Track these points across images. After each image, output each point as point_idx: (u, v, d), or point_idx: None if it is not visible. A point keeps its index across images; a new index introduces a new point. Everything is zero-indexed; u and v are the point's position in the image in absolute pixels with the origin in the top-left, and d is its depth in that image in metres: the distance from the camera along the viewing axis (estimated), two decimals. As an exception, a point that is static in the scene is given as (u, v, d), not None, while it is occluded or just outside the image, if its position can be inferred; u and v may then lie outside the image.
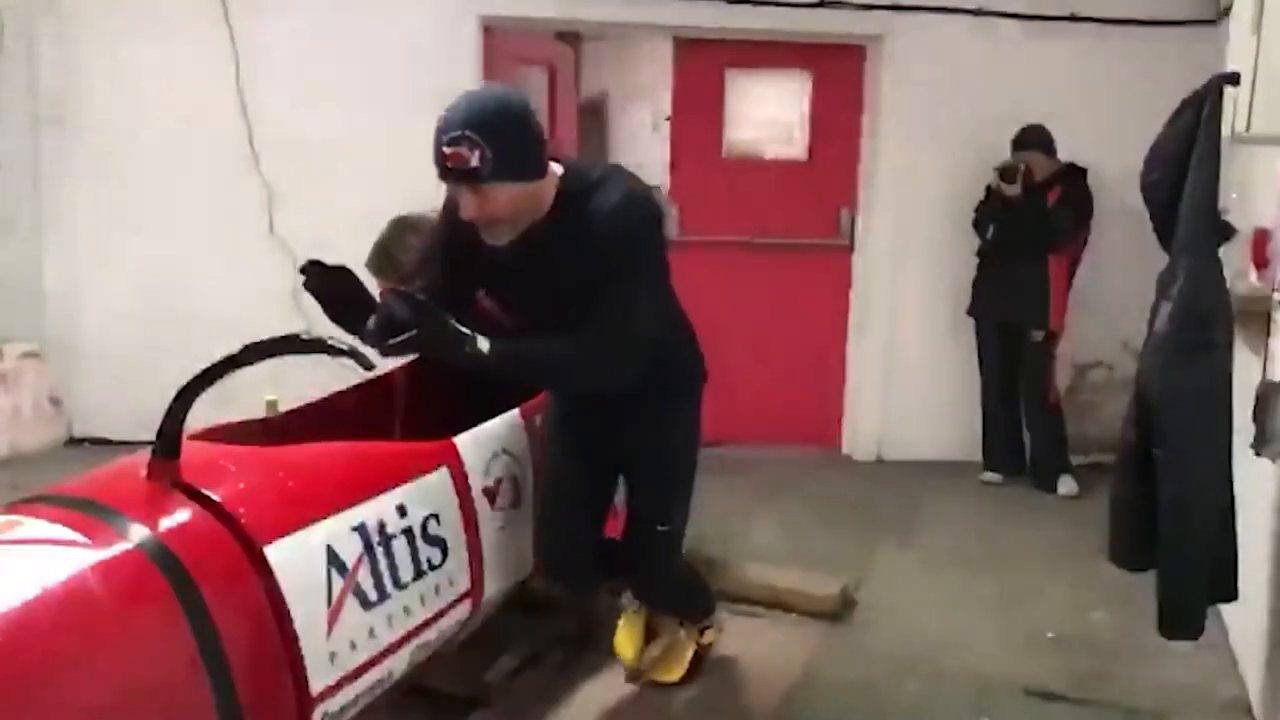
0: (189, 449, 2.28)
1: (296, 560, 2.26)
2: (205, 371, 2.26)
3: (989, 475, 5.46)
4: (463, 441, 2.88)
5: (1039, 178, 5.18)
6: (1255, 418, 2.73)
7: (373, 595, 2.45)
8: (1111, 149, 4.86)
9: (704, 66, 5.79)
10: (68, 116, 5.38)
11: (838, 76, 5.73)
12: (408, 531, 2.58)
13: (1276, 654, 2.99)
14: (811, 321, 5.88)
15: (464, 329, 2.38)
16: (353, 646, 2.37)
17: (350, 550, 2.40)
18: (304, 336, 2.27)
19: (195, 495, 2.21)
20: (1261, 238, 3.38)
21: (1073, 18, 5.43)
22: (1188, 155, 2.64)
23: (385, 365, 2.81)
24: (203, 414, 2.33)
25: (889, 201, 5.66)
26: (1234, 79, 2.61)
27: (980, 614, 3.92)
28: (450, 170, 2.40)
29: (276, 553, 2.21)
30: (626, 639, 3.30)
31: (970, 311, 5.45)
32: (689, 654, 3.33)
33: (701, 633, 3.37)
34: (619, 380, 2.61)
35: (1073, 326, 5.34)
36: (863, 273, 5.82)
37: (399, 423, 3.49)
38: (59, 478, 2.39)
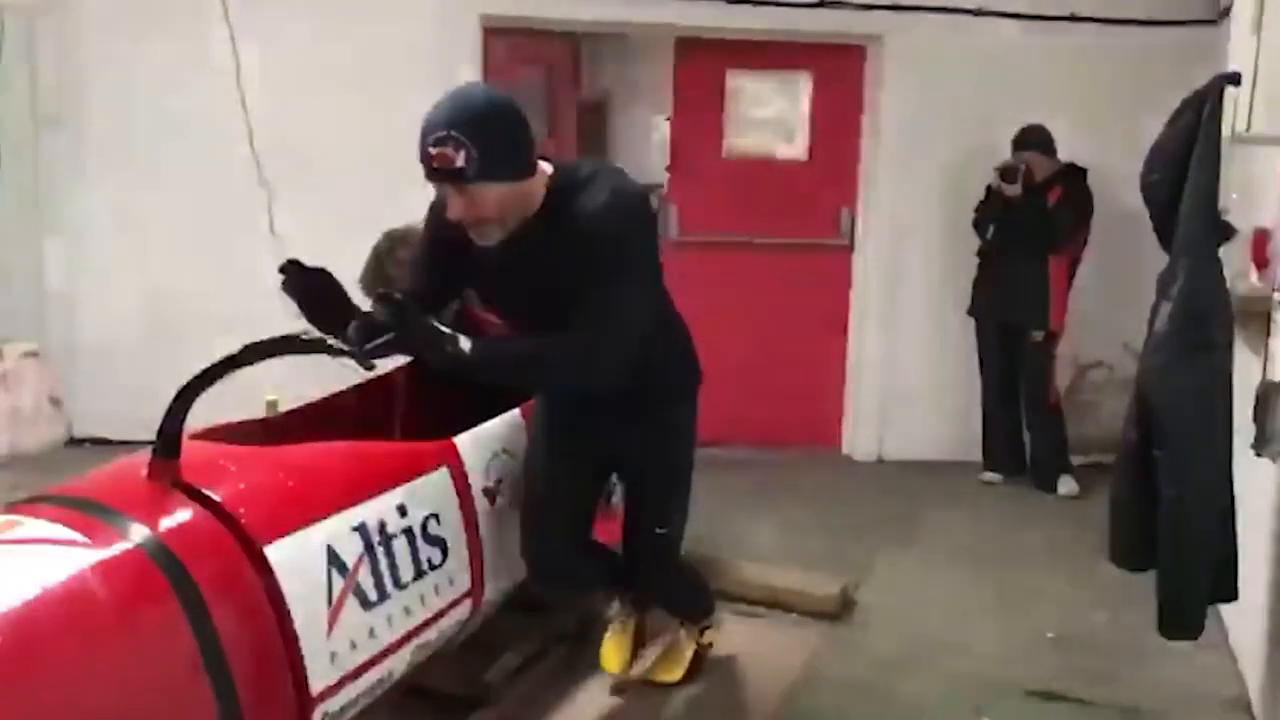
0: (189, 449, 2.28)
1: (297, 560, 2.26)
2: (205, 371, 2.26)
3: (989, 475, 5.46)
4: (463, 441, 2.88)
5: (1039, 178, 5.18)
6: (1255, 418, 2.73)
7: (373, 595, 2.45)
8: (1111, 149, 4.86)
9: (704, 66, 5.79)
10: (68, 116, 5.38)
11: (838, 76, 5.73)
12: (408, 531, 2.58)
13: (1276, 654, 2.99)
14: (811, 321, 5.87)
15: (444, 329, 2.33)
16: (353, 646, 2.37)
17: (350, 550, 2.40)
18: (304, 336, 2.27)
19: (195, 495, 2.21)
20: (1261, 238, 3.38)
21: (1072, 18, 5.43)
22: (1188, 155, 2.64)
23: (385, 365, 2.81)
24: (203, 414, 2.33)
25: (889, 201, 5.65)
26: (1234, 79, 2.61)
27: (980, 614, 3.92)
28: (436, 170, 2.36)
29: (277, 552, 2.21)
30: (613, 651, 3.26)
31: (970, 312, 5.44)
32: (689, 654, 3.33)
33: (701, 633, 3.36)
34: (604, 380, 2.55)
35: (1073, 326, 5.34)
36: (863, 273, 5.81)
37: (399, 423, 3.49)
38: (59, 478, 2.40)
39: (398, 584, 2.52)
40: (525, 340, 2.60)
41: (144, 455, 2.25)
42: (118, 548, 2.03)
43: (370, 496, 2.51)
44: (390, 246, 3.73)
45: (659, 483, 2.95)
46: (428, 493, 2.69)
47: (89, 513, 2.10)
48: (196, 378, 2.26)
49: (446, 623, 2.72)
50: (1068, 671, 3.47)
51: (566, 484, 2.92)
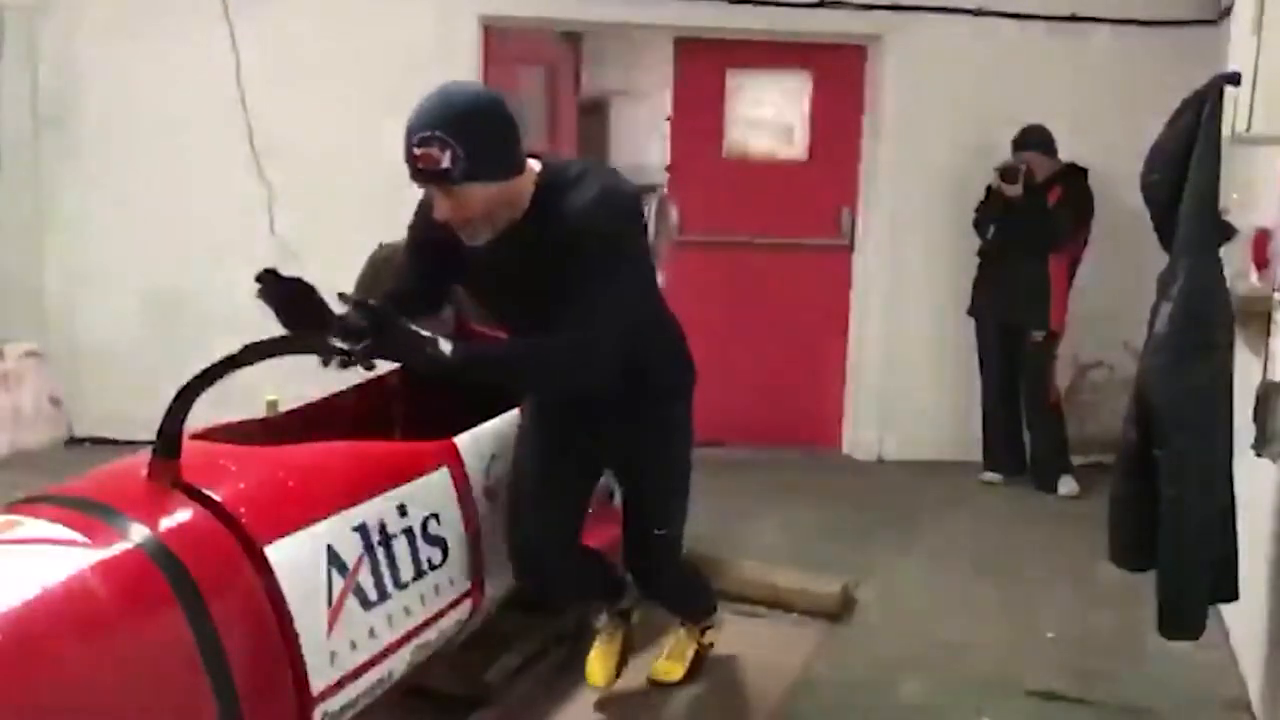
0: (189, 449, 2.28)
1: (297, 560, 2.26)
2: (205, 371, 2.26)
3: (989, 475, 5.46)
4: (463, 441, 2.88)
5: (1039, 178, 5.18)
6: (1255, 418, 2.73)
7: (373, 595, 2.45)
8: (1112, 149, 4.86)
9: (704, 66, 5.79)
10: (68, 116, 5.38)
11: (838, 76, 5.73)
12: (408, 531, 2.58)
13: (1276, 654, 2.99)
14: (811, 321, 5.88)
15: (424, 332, 2.29)
16: (353, 646, 2.37)
17: (351, 550, 2.40)
18: (305, 337, 2.27)
19: (196, 495, 2.21)
20: (1262, 238, 3.38)
21: (1073, 18, 5.43)
22: (1188, 155, 2.64)
23: (384, 365, 2.81)
24: (203, 414, 2.33)
25: (889, 201, 5.66)
26: (1234, 79, 2.61)
27: (980, 614, 3.92)
28: (421, 172, 2.32)
29: (277, 552, 2.21)
30: (598, 665, 3.20)
31: (971, 312, 5.44)
32: (689, 654, 3.33)
33: (702, 632, 3.36)
34: (590, 381, 2.50)
35: (1073, 326, 5.34)
36: (863, 272, 5.82)
37: (399, 423, 3.49)
38: (59, 478, 2.40)
39: (398, 584, 2.52)
40: (508, 342, 2.57)
41: (144, 455, 2.25)
42: (118, 548, 2.03)
43: (370, 496, 2.50)
44: (388, 255, 3.73)
45: (658, 483, 2.94)
46: (428, 493, 2.69)
47: (89, 513, 2.11)
48: (196, 378, 2.26)
49: (447, 623, 2.72)
50: (1068, 671, 3.47)
51: (555, 483, 2.86)
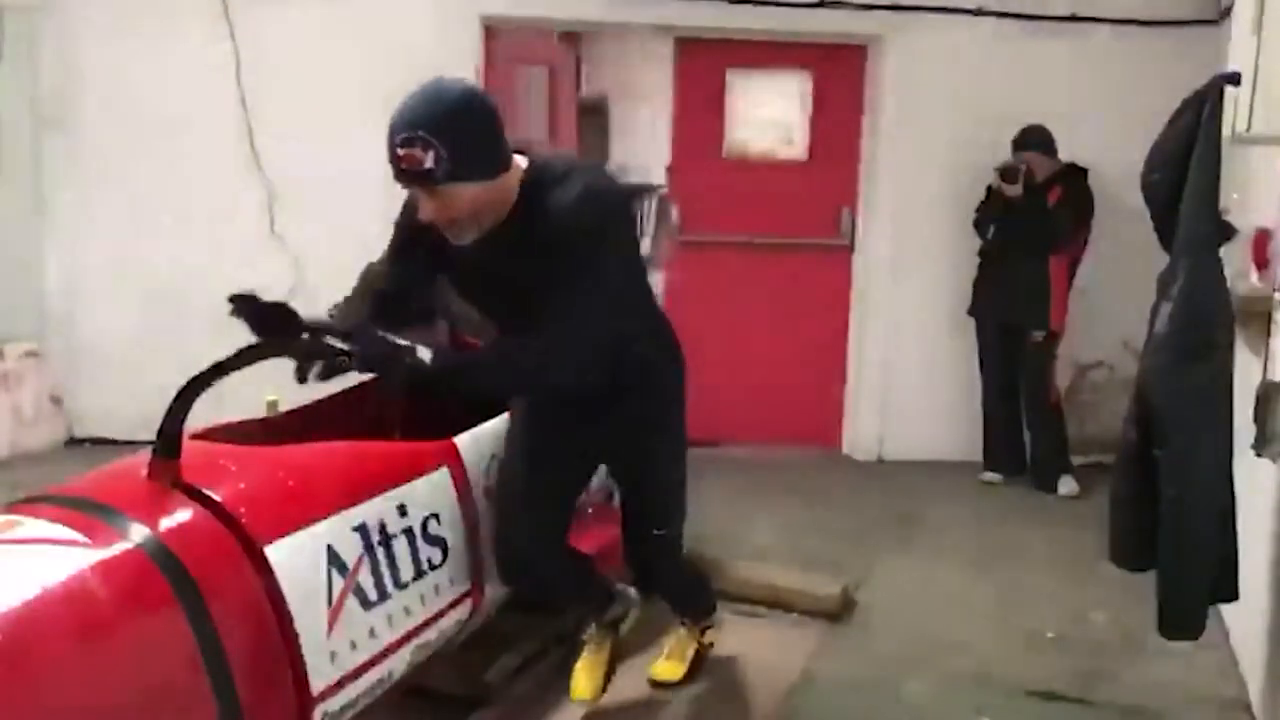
0: (189, 449, 2.28)
1: (297, 560, 2.26)
2: (205, 371, 2.26)
3: (989, 475, 5.46)
4: (463, 441, 2.88)
5: (1040, 178, 5.18)
6: (1256, 418, 2.73)
7: (373, 595, 2.45)
8: (1112, 149, 4.86)
9: (704, 66, 5.80)
10: (68, 117, 5.38)
11: (838, 76, 5.74)
12: (408, 531, 2.59)
13: (1276, 654, 2.99)
14: (811, 321, 5.88)
15: (401, 342, 2.26)
16: (353, 646, 2.37)
17: (351, 550, 2.40)
18: (305, 339, 2.26)
19: (196, 495, 2.21)
20: (1262, 238, 3.38)
21: (1073, 18, 5.43)
22: (1188, 155, 2.64)
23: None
24: (203, 414, 2.33)
25: (889, 201, 5.66)
26: (1234, 79, 2.61)
27: (980, 614, 3.92)
28: (404, 172, 2.29)
29: (277, 552, 2.21)
30: (584, 677, 3.14)
31: (971, 312, 5.45)
32: (690, 653, 3.33)
33: (702, 632, 3.36)
34: (577, 380, 2.48)
35: (1073, 326, 5.34)
36: (863, 273, 5.82)
37: (399, 423, 3.49)
38: (59, 478, 2.40)
39: (398, 584, 2.52)
40: (489, 345, 2.54)
41: (144, 455, 2.25)
42: (118, 548, 2.03)
43: (370, 496, 2.51)
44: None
45: (654, 484, 2.92)
46: (428, 493, 2.69)
47: (89, 513, 2.11)
48: (196, 378, 2.26)
49: (447, 623, 2.72)
50: (1068, 671, 3.47)
51: (543, 484, 2.82)
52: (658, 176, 6.20)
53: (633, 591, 3.22)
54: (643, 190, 8.99)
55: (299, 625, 2.22)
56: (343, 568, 2.36)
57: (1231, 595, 2.83)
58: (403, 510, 2.58)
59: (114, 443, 5.05)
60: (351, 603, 2.38)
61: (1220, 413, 2.69)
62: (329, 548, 2.34)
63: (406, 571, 2.55)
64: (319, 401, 3.19)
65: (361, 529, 2.44)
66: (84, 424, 5.57)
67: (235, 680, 2.07)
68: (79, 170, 5.39)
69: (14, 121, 5.34)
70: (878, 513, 4.97)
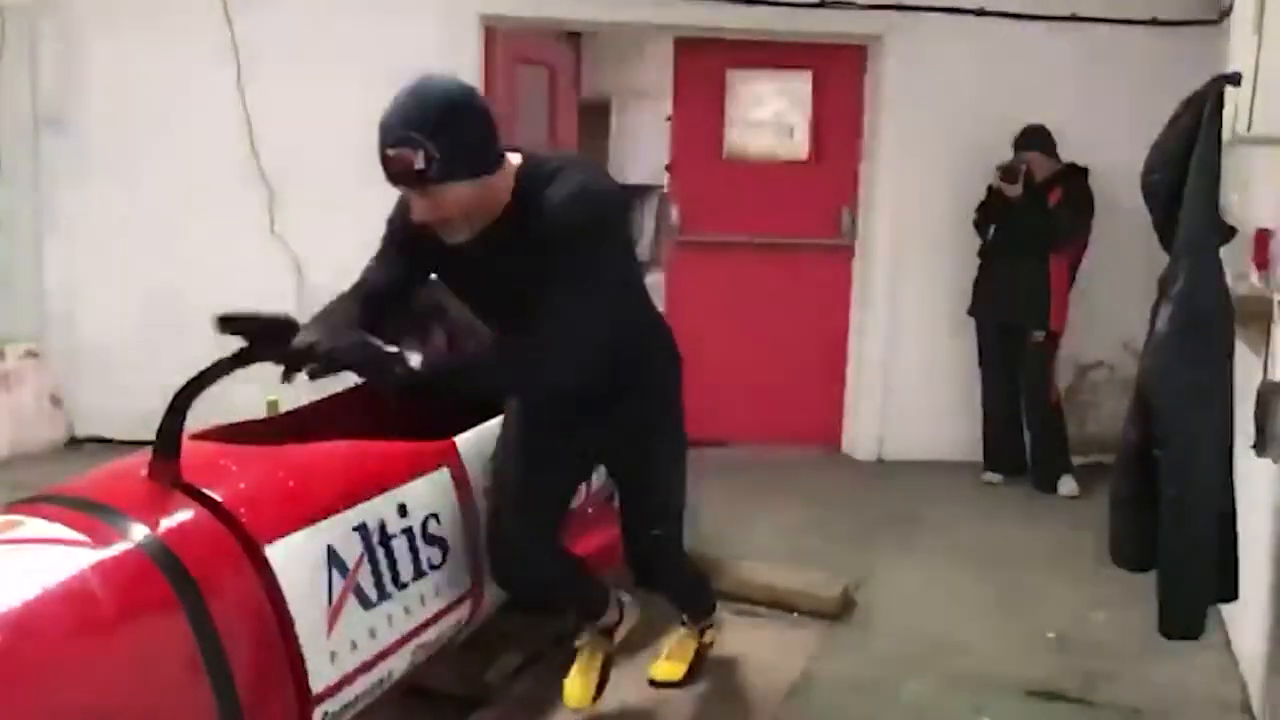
0: (189, 449, 2.28)
1: (297, 560, 2.26)
2: (205, 371, 2.26)
3: (989, 475, 5.46)
4: (463, 441, 2.88)
5: (1040, 178, 5.18)
6: (1255, 418, 2.73)
7: (373, 595, 2.45)
8: (1112, 149, 4.85)
9: (704, 66, 5.80)
10: (68, 117, 5.38)
11: (838, 76, 5.74)
12: (408, 531, 2.59)
13: (1276, 654, 2.99)
14: (811, 321, 5.88)
15: (391, 348, 2.24)
16: (353, 646, 2.37)
17: (351, 550, 2.40)
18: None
19: (196, 495, 2.21)
20: (1262, 238, 3.38)
21: (1073, 18, 5.43)
22: (1188, 155, 2.64)
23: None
24: (203, 414, 2.33)
25: (889, 201, 5.65)
26: (1235, 79, 2.61)
27: (980, 614, 3.92)
28: (395, 174, 2.27)
29: (277, 552, 2.21)
30: (577, 685, 3.06)
31: (971, 311, 5.45)
32: (690, 653, 3.33)
33: (702, 632, 3.36)
34: (571, 379, 2.45)
35: (1073, 326, 5.33)
36: (863, 273, 5.82)
37: (399, 423, 3.49)
38: (59, 478, 2.40)
39: (398, 584, 2.53)
40: (480, 346, 2.54)
41: (144, 455, 2.25)
42: (118, 548, 2.04)
43: (370, 496, 2.51)
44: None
45: (653, 484, 2.91)
46: (428, 493, 2.69)
47: (89, 513, 2.11)
48: (196, 377, 2.26)
49: (447, 623, 2.72)
50: (1068, 671, 3.47)
51: (536, 484, 2.78)
52: (658, 176, 6.21)
53: (628, 598, 3.19)
54: (642, 190, 9.02)
55: (299, 625, 2.22)
56: (343, 568, 2.36)
57: (1231, 595, 2.83)
58: (403, 510, 2.58)
59: (114, 443, 5.06)
60: (351, 603, 2.38)
61: (1220, 413, 2.69)
62: (329, 548, 2.34)
63: (406, 572, 2.55)
64: (319, 401, 3.19)
65: (361, 529, 2.44)
66: (84, 424, 5.57)
67: (235, 680, 2.07)
68: (79, 170, 5.39)
69: (14, 121, 5.34)
70: (878, 513, 4.97)
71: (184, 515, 2.17)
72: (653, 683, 3.27)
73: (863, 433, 5.84)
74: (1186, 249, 2.65)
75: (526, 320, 2.37)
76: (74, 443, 5.55)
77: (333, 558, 2.34)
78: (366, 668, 2.41)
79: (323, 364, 2.21)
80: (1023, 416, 5.40)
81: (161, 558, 2.05)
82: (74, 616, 1.91)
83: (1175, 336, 2.66)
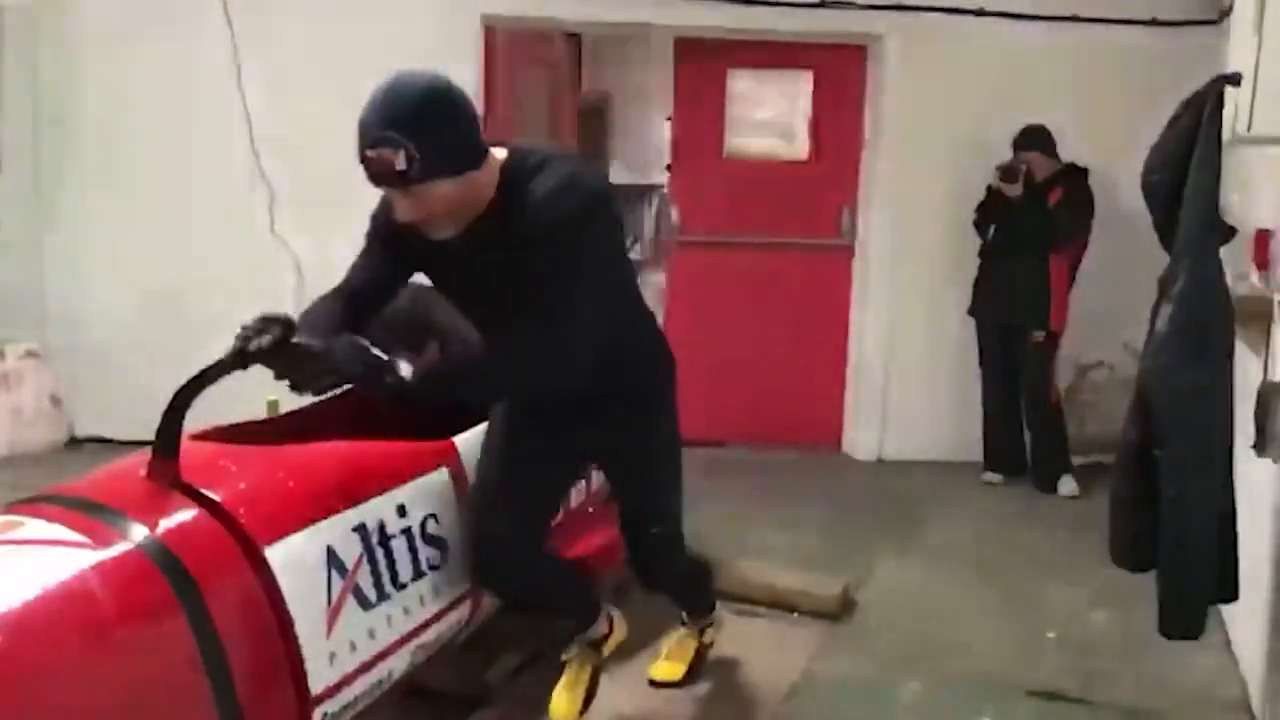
0: (189, 449, 2.28)
1: (296, 561, 2.26)
2: (205, 371, 2.26)
3: (990, 475, 5.46)
4: (463, 441, 2.87)
5: (1040, 178, 5.18)
6: (1256, 418, 2.73)
7: (372, 596, 2.45)
8: (1112, 149, 4.86)
9: (704, 66, 5.80)
10: (68, 116, 5.38)
11: (838, 76, 5.74)
12: (407, 532, 2.58)
13: (1276, 654, 2.99)
14: (811, 321, 5.88)
15: (382, 355, 2.22)
16: (352, 647, 2.37)
17: (350, 550, 2.40)
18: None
19: (195, 495, 2.21)
20: (1262, 238, 3.38)
21: (1074, 18, 5.42)
22: (1188, 155, 2.64)
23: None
24: (203, 414, 2.33)
25: (890, 201, 5.65)
26: (1235, 79, 2.61)
27: (981, 614, 3.92)
28: (376, 175, 2.23)
29: (276, 553, 2.21)
30: (564, 698, 2.97)
31: (971, 312, 5.44)
32: (690, 653, 3.33)
33: (701, 632, 3.36)
34: (566, 379, 2.40)
35: (1073, 326, 5.33)
36: (863, 273, 5.82)
37: (399, 423, 3.49)
38: (59, 478, 2.40)
39: (397, 585, 2.52)
40: (472, 350, 2.50)
41: (144, 455, 2.25)
42: (118, 548, 2.04)
43: (370, 497, 2.50)
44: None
45: (650, 485, 2.88)
46: (428, 493, 2.69)
47: (89, 513, 2.11)
48: (196, 377, 2.25)
49: (446, 623, 2.72)
50: (1068, 671, 3.47)
51: (520, 485, 2.72)
52: (658, 177, 6.21)
53: (618, 613, 3.13)
54: (642, 190, 9.01)
55: (298, 626, 2.22)
56: (342, 568, 2.36)
57: (1231, 595, 2.83)
58: (402, 511, 2.58)
59: (114, 443, 5.05)
60: (351, 603, 2.38)
61: (1220, 413, 2.69)
62: (328, 548, 2.34)
63: (406, 572, 2.55)
64: (319, 402, 3.18)
65: (361, 529, 2.44)
66: (84, 424, 5.57)
67: (235, 681, 2.07)
68: (79, 170, 5.39)
69: (15, 121, 5.34)
70: (878, 513, 4.97)
71: (183, 516, 2.17)
72: (652, 683, 3.27)
73: (863, 433, 5.84)
74: (1186, 249, 2.65)
75: (514, 317, 2.34)
76: (74, 443, 5.55)
77: (332, 558, 2.34)
78: (366, 668, 2.41)
79: (320, 372, 2.20)
80: (1023, 416, 5.40)
81: (161, 558, 2.05)
82: (74, 617, 1.90)
83: (1175, 336, 2.66)
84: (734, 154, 5.86)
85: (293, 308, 2.38)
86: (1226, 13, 4.64)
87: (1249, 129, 2.57)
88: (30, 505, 2.18)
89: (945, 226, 5.54)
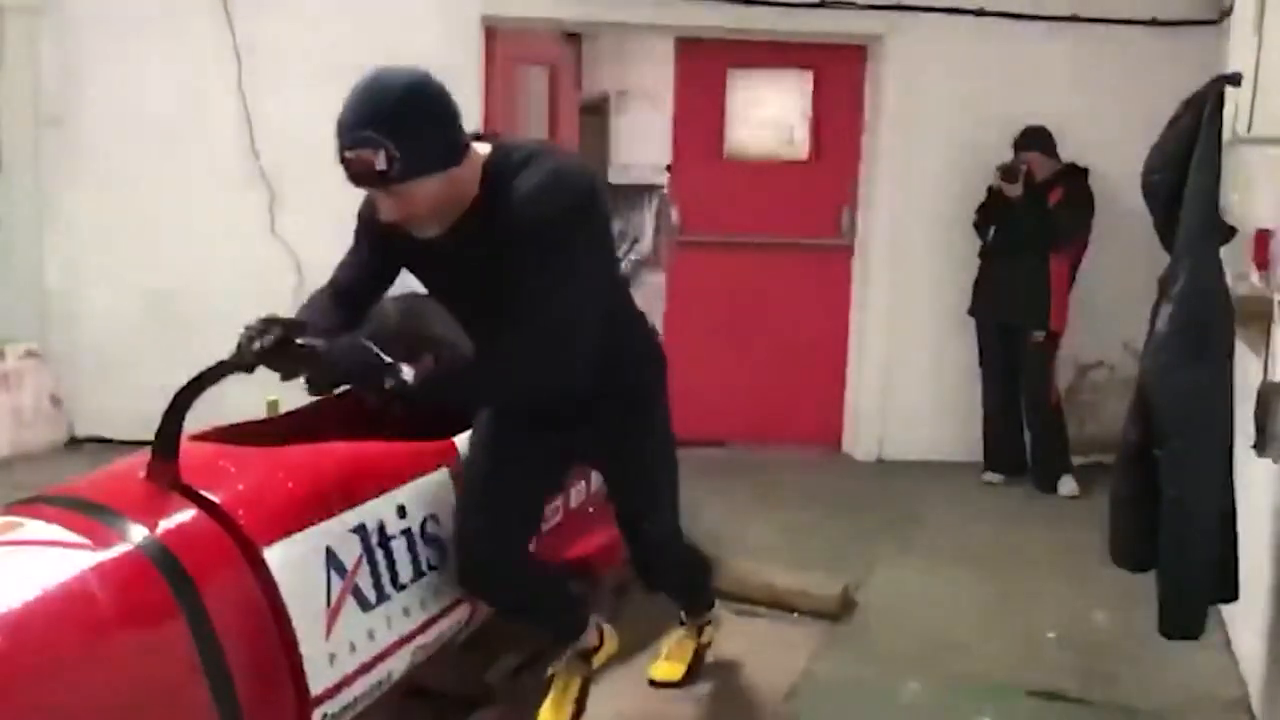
0: (188, 450, 2.28)
1: (295, 562, 2.25)
2: (205, 372, 2.26)
3: (990, 475, 5.46)
4: (463, 441, 2.87)
5: (1040, 178, 5.18)
6: (1256, 418, 2.73)
7: (372, 597, 2.44)
8: (1112, 149, 4.86)
9: (705, 66, 5.79)
10: (68, 116, 5.38)
11: (838, 76, 5.73)
12: (407, 532, 2.58)
13: (1276, 654, 2.99)
14: (811, 321, 5.87)
15: (385, 358, 2.20)
16: (352, 648, 2.37)
17: (350, 551, 2.40)
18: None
19: (194, 497, 2.21)
20: (1262, 238, 3.38)
21: (1074, 18, 5.43)
22: (1188, 155, 2.64)
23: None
24: (203, 414, 2.33)
25: (889, 201, 5.65)
26: (1235, 79, 2.61)
27: (981, 614, 3.92)
28: (356, 175, 2.20)
29: (275, 554, 2.21)
30: (553, 714, 2.91)
31: (971, 312, 5.44)
32: (689, 653, 3.32)
33: (700, 631, 3.35)
34: (562, 379, 2.38)
35: (1074, 326, 5.33)
36: (862, 272, 5.81)
37: (399, 423, 3.48)
38: (59, 478, 2.40)
39: (397, 585, 2.52)
40: (470, 354, 2.48)
41: (143, 456, 2.25)
42: (117, 549, 2.03)
43: (370, 497, 2.50)
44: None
45: (645, 485, 2.87)
46: (427, 493, 2.69)
47: (89, 514, 2.11)
48: (196, 378, 2.25)
49: (446, 624, 2.72)
50: (1068, 671, 3.47)
51: (504, 486, 2.69)
52: (658, 176, 6.21)
53: (608, 627, 3.10)
54: (642, 190, 9.00)
55: (298, 627, 2.22)
56: (341, 569, 2.36)
57: (1231, 595, 2.83)
58: (402, 511, 2.58)
59: (114, 443, 5.05)
60: (350, 604, 2.38)
61: (1220, 413, 2.69)
62: (328, 549, 2.34)
63: (406, 573, 2.55)
64: (319, 402, 3.18)
65: (360, 530, 2.44)
66: (84, 424, 5.56)
67: (234, 682, 2.07)
68: (79, 170, 5.39)
69: (15, 121, 5.34)
70: (878, 513, 4.97)
71: (182, 517, 2.17)
72: (652, 683, 3.27)
73: (863, 433, 5.84)
74: (1187, 249, 2.66)
75: (501, 315, 2.32)
76: (74, 443, 5.55)
77: (331, 559, 2.34)
78: (365, 669, 2.41)
79: (321, 373, 2.20)
80: (1023, 417, 5.40)
81: (160, 559, 2.04)
82: (73, 618, 1.90)
83: (1175, 336, 2.66)
84: (734, 154, 5.86)
85: (292, 308, 2.38)
86: (1226, 13, 4.65)
87: (1249, 129, 2.57)
88: (30, 506, 2.18)
89: (945, 227, 5.54)
